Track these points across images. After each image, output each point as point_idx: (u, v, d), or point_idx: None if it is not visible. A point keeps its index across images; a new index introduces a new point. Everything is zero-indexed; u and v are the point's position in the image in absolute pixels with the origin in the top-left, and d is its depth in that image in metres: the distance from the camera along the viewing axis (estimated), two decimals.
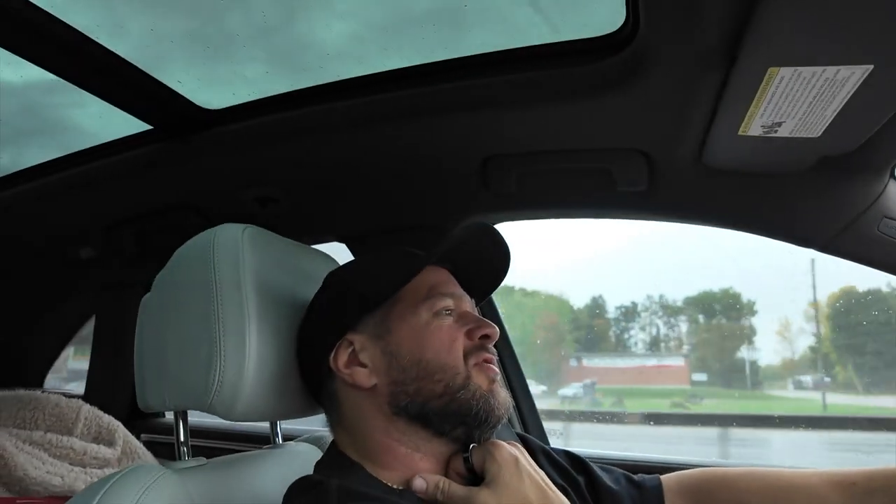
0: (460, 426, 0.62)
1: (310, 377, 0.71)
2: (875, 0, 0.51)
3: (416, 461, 0.63)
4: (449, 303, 0.67)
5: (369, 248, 1.23)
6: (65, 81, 0.96)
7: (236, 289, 0.68)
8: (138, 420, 1.50)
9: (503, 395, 0.65)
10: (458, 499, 0.58)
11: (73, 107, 1.14)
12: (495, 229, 0.71)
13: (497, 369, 0.66)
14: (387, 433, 0.63)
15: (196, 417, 1.49)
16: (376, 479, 0.61)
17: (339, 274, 0.73)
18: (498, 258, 0.75)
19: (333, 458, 0.67)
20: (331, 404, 0.69)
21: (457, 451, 0.64)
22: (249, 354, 0.66)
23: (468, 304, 0.71)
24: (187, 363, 0.67)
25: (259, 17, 0.96)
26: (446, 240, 0.65)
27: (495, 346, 1.24)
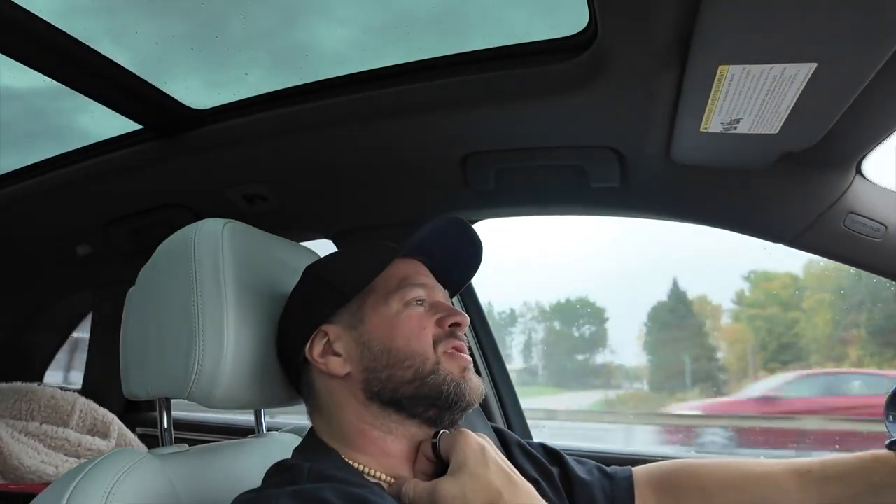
0: (431, 408, 0.64)
1: (288, 366, 0.73)
2: (813, 0, 0.53)
3: (389, 444, 0.65)
4: (420, 293, 0.69)
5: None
6: (68, 87, 0.99)
7: (215, 281, 0.70)
8: (134, 413, 1.54)
9: (476, 381, 0.67)
10: (425, 494, 0.59)
11: (77, 111, 1.18)
12: (466, 222, 0.73)
13: (468, 357, 0.68)
14: (361, 418, 0.66)
15: (185, 412, 1.53)
16: (349, 465, 0.63)
17: (315, 267, 0.76)
18: (470, 250, 0.77)
19: (310, 444, 0.69)
20: (309, 392, 0.71)
21: (426, 438, 0.66)
22: (227, 344, 0.68)
23: (441, 295, 0.72)
24: (168, 352, 0.69)
25: (257, 22, 1.00)
26: (417, 233, 0.67)
27: (476, 334, 1.29)
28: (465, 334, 0.71)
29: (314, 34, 1.02)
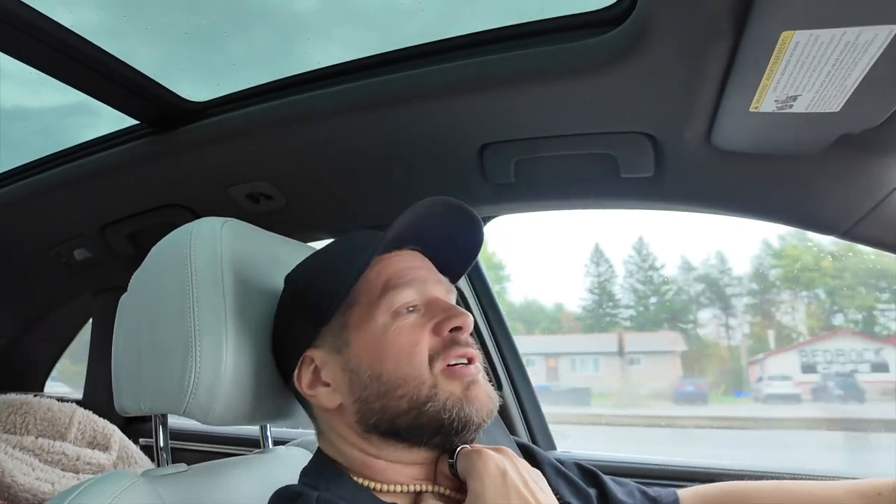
0: (436, 435, 0.57)
1: (289, 384, 0.67)
2: None
3: (401, 469, 0.60)
4: (409, 296, 0.60)
5: None
6: (78, 105, 1.00)
7: (213, 286, 0.65)
8: (137, 424, 1.47)
9: (483, 395, 0.58)
10: None
11: (87, 128, 1.18)
12: (454, 200, 0.63)
13: (472, 369, 0.59)
14: (363, 450, 0.60)
15: (185, 420, 1.47)
16: (360, 486, 0.58)
17: (293, 277, 0.67)
18: (466, 228, 0.68)
19: (318, 465, 0.63)
20: (310, 415, 0.66)
21: (443, 453, 0.60)
22: (226, 354, 0.63)
23: (438, 289, 0.63)
24: (162, 365, 0.64)
25: (258, 42, 0.99)
26: (395, 222, 0.58)
27: (491, 331, 1.20)
28: (471, 335, 0.62)
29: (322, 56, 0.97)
